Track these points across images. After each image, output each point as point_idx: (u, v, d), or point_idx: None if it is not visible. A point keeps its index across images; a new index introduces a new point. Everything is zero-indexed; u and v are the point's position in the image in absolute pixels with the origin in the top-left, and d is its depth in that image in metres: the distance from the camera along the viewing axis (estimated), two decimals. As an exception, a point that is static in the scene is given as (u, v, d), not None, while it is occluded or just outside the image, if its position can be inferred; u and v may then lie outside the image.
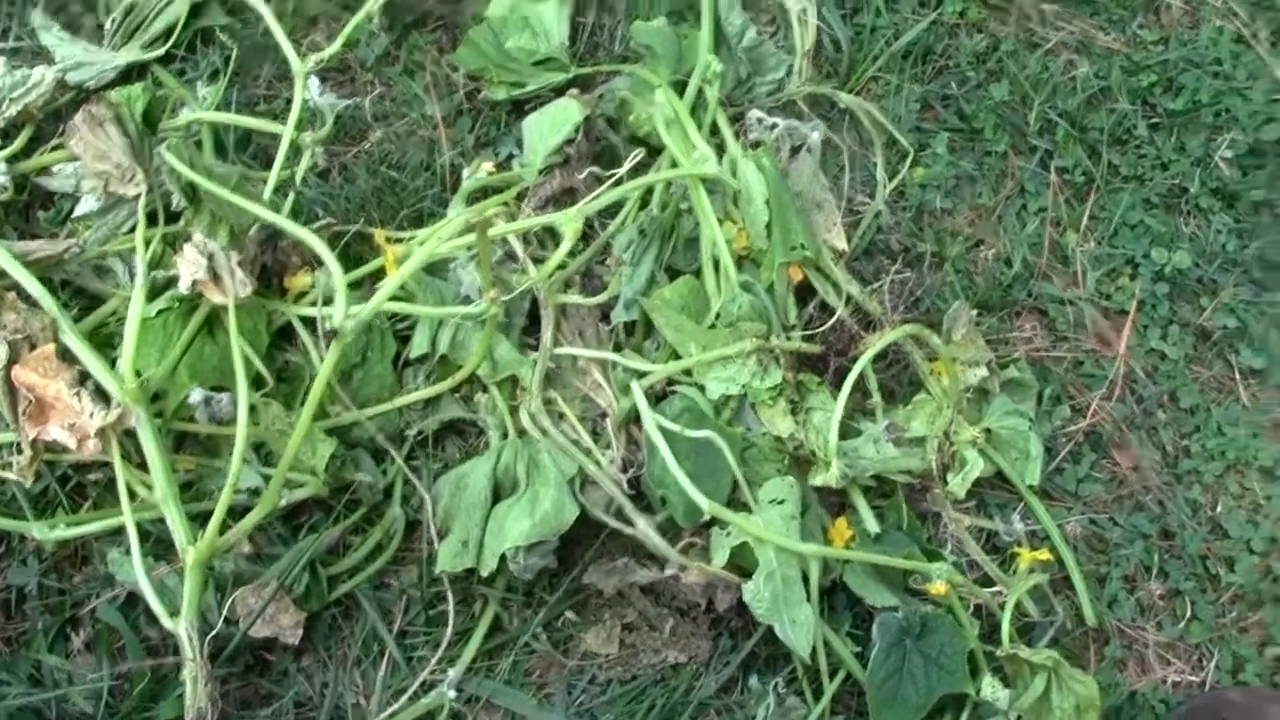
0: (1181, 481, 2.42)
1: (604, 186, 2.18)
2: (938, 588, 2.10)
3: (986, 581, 2.22)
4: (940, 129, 2.61)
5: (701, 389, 2.20)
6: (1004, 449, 2.31)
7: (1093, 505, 2.38)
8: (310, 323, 2.20)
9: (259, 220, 2.11)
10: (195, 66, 2.49)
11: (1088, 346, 2.48)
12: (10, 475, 2.02)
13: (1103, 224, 2.57)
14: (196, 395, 2.08)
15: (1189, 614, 2.33)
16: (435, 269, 2.26)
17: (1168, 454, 2.44)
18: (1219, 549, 2.37)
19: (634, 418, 2.14)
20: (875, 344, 2.19)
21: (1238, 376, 2.51)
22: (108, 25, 2.45)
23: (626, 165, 2.23)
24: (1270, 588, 2.35)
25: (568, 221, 2.07)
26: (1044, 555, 2.18)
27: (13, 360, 2.00)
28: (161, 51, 2.44)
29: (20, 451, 2.01)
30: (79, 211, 2.19)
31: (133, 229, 2.15)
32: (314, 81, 2.31)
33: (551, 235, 2.31)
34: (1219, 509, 2.41)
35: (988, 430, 2.29)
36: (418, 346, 2.22)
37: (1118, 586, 2.33)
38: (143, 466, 2.00)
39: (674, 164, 2.31)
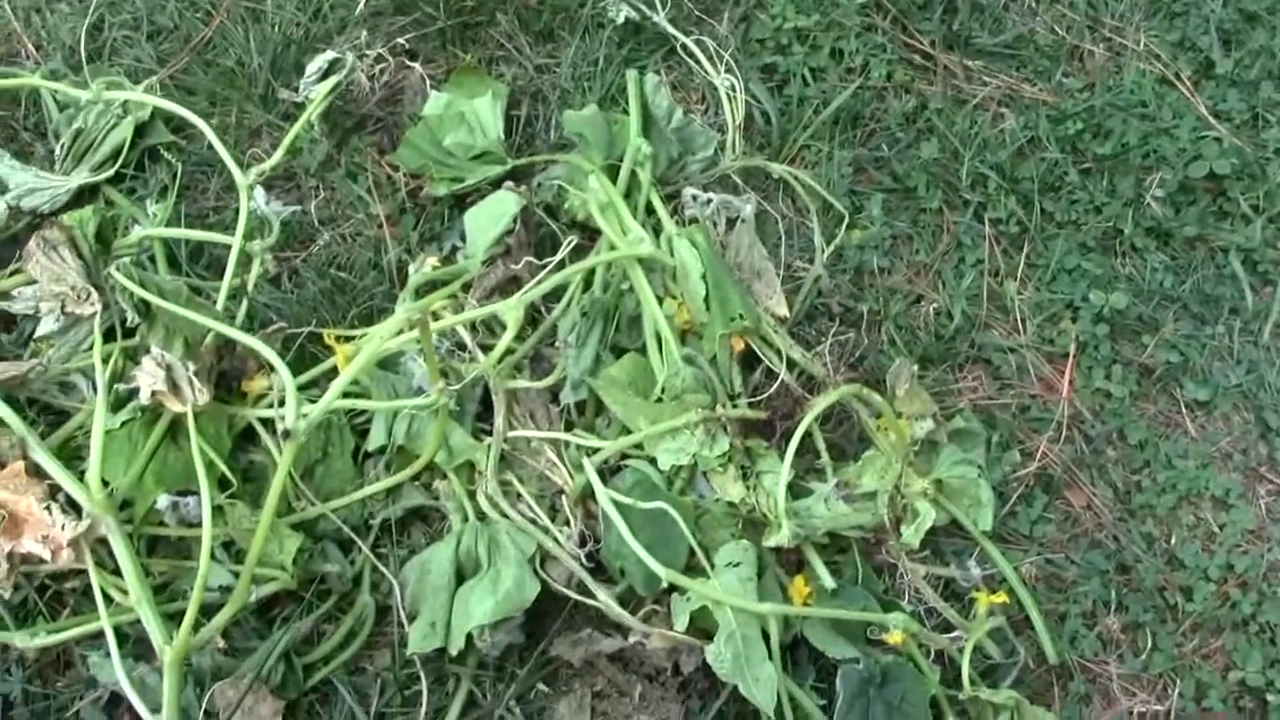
0: (1135, 516, 2.46)
1: (543, 274, 2.24)
2: (895, 638, 2.14)
3: (947, 627, 2.26)
4: (874, 190, 2.67)
5: (653, 461, 2.26)
6: (956, 497, 2.35)
7: (1048, 545, 2.42)
8: (270, 424, 2.26)
9: (211, 330, 2.18)
10: (144, 184, 2.56)
11: (1033, 391, 2.53)
12: (-11, 589, 2.08)
13: (1040, 270, 2.63)
14: (164, 501, 2.14)
15: (1150, 645, 2.36)
16: (388, 363, 2.33)
17: (1119, 490, 2.48)
18: (1176, 579, 2.41)
19: (590, 493, 2.18)
20: (817, 406, 2.24)
21: (1183, 410, 2.56)
22: (57, 151, 2.53)
23: (561, 253, 2.29)
24: (1229, 614, 2.38)
25: (509, 310, 2.11)
26: (1001, 598, 2.22)
27: (-17, 478, 2.07)
28: (111, 173, 2.51)
29: (-3, 565, 2.07)
30: (40, 332, 2.25)
31: (93, 346, 2.21)
32: (260, 191, 2.38)
33: (500, 322, 2.35)
34: (1173, 540, 2.44)
35: (938, 480, 2.33)
36: (375, 439, 2.28)
37: (1078, 623, 2.36)
38: (117, 572, 2.03)
39: (611, 247, 2.37)
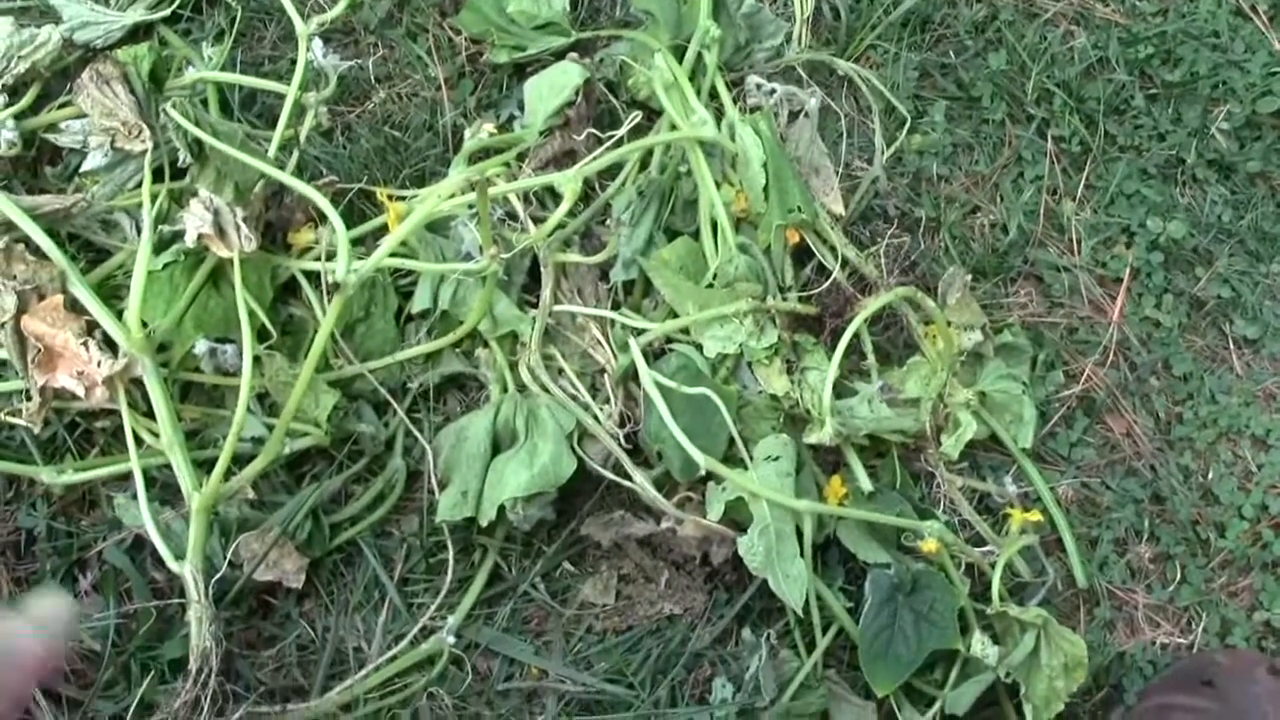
0: (1174, 448, 2.44)
1: (603, 148, 2.20)
2: (929, 545, 2.12)
3: (979, 541, 2.25)
4: (938, 97, 2.62)
5: (699, 347, 2.22)
6: (998, 412, 2.33)
7: (1085, 469, 2.40)
8: (314, 277, 2.22)
9: (264, 177, 2.13)
10: (201, 27, 2.49)
11: (1082, 313, 2.50)
12: (19, 421, 2.05)
13: (1099, 193, 2.59)
14: (202, 346, 2.11)
15: (1179, 577, 2.35)
16: (437, 227, 2.29)
17: (1160, 420, 2.46)
18: (1210, 515, 2.39)
19: (632, 374, 2.16)
20: (870, 306, 2.21)
21: (1231, 346, 2.53)
22: (114, -15, 2.46)
23: (625, 127, 2.25)
24: (1259, 554, 2.37)
25: (567, 182, 2.08)
26: (1036, 516, 2.20)
27: (22, 310, 2.03)
28: (167, 12, 2.43)
29: (29, 399, 2.04)
30: (86, 167, 2.20)
31: (139, 184, 2.17)
32: (317, 43, 2.32)
33: (552, 195, 2.33)
34: (1210, 475, 2.42)
35: (982, 393, 2.30)
36: (420, 302, 2.25)
37: (1109, 549, 2.35)
38: (149, 414, 2.02)
39: (673, 127, 2.33)
